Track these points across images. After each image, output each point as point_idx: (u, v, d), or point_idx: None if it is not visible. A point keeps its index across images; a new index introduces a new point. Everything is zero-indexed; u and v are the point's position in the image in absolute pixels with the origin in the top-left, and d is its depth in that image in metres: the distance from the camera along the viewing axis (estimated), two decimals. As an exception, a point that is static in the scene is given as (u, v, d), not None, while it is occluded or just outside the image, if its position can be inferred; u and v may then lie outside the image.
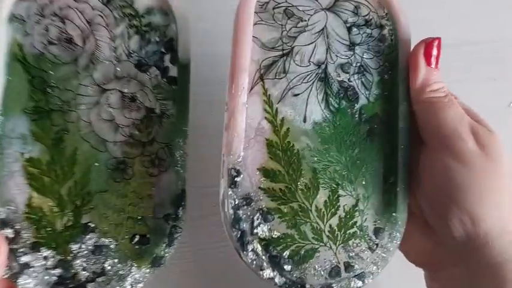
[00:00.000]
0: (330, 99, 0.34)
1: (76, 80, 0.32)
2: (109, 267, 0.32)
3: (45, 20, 0.32)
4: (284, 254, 0.33)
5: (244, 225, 0.32)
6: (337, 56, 0.34)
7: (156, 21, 0.33)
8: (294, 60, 0.34)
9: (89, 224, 0.32)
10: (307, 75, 0.34)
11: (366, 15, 0.35)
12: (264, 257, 0.32)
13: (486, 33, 0.50)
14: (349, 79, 0.35)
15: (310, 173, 0.33)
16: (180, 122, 0.33)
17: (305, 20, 0.34)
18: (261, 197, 0.33)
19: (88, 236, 0.32)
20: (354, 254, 0.34)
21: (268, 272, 0.32)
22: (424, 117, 0.33)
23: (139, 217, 0.32)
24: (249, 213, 0.32)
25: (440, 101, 0.33)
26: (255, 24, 0.33)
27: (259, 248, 0.32)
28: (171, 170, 0.33)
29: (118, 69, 0.33)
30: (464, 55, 0.49)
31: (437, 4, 0.49)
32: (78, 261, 0.32)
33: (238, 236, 0.32)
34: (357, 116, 0.34)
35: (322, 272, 0.33)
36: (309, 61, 0.34)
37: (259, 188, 0.33)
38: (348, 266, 0.34)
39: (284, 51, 0.34)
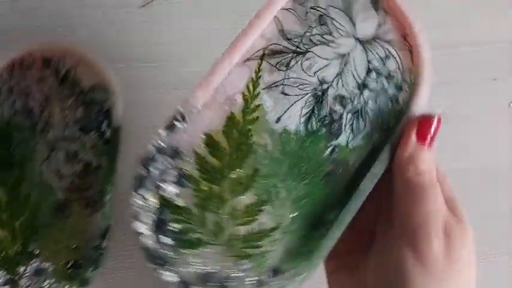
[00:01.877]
0: (313, 118, 0.32)
1: (33, 141, 0.41)
2: (47, 286, 0.39)
3: (13, 96, 0.41)
4: (173, 226, 0.31)
5: (154, 170, 0.30)
6: (343, 86, 0.33)
7: (98, 96, 0.42)
8: (302, 62, 0.32)
9: (34, 251, 0.40)
10: (306, 84, 0.32)
11: (392, 70, 0.33)
12: (149, 213, 0.30)
13: (486, 33, 0.48)
14: (341, 114, 0.33)
15: (251, 170, 0.31)
16: (110, 173, 0.41)
17: (333, 36, 0.33)
18: (190, 160, 0.31)
19: (32, 261, 0.39)
20: (237, 275, 0.31)
21: (144, 228, 0.30)
22: (398, 196, 0.29)
23: (74, 247, 0.40)
24: (168, 164, 0.30)
25: (421, 185, 0.28)
26: (285, 9, 0.32)
27: (152, 201, 0.30)
28: (102, 210, 0.40)
29: (66, 132, 0.41)
30: (464, 55, 0.47)
31: (437, 4, 0.48)
32: (23, 281, 0.39)
33: (143, 175, 0.30)
34: (328, 151, 0.32)
35: (194, 269, 0.31)
36: (315, 73, 0.32)
37: (194, 150, 0.31)
38: (224, 280, 0.31)
39: (298, 50, 0.32)
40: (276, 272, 0.33)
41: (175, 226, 0.32)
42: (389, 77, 0.34)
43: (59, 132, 0.41)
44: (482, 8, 0.48)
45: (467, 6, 0.48)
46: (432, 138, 0.30)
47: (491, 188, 0.48)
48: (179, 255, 0.31)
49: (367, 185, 0.31)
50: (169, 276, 0.31)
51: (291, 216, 0.33)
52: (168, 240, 0.31)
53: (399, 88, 0.34)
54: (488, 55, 0.48)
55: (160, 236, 0.31)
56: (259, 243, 0.32)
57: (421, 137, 0.30)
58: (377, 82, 0.34)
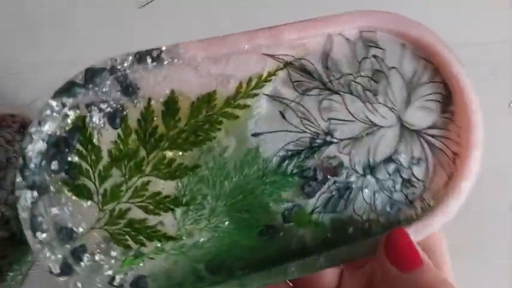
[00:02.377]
0: (294, 161, 0.28)
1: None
2: None
3: None
4: (72, 156, 0.26)
5: (95, 88, 0.26)
6: (349, 154, 0.28)
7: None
8: (323, 99, 0.28)
9: None
10: (311, 123, 0.28)
11: (416, 177, 0.29)
12: (56, 123, 0.25)
13: (486, 33, 0.48)
14: (326, 180, 0.28)
15: (192, 162, 0.27)
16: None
17: (377, 100, 0.28)
18: (138, 106, 0.26)
19: None
20: (96, 257, 0.27)
21: (41, 134, 0.25)
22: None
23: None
24: (114, 94, 0.26)
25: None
26: (346, 38, 0.28)
27: (69, 115, 0.26)
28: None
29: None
30: (465, 55, 0.46)
31: (438, 4, 0.47)
32: None
33: (77, 83, 0.25)
34: (285, 204, 0.28)
35: (60, 214, 0.26)
36: (329, 119, 0.28)
37: (149, 99, 0.26)
38: (78, 252, 0.26)
39: (328, 85, 0.28)
40: (135, 282, 0.27)
41: (73, 158, 0.26)
42: (407, 183, 0.29)
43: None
44: (482, 8, 0.48)
45: (467, 6, 0.48)
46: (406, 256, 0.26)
47: (491, 188, 0.45)
48: (58, 192, 0.27)
49: (295, 272, 0.27)
50: (28, 199, 0.25)
51: (198, 240, 0.28)
52: (56, 167, 0.26)
53: (409, 203, 0.29)
54: (488, 55, 0.47)
55: (54, 157, 0.26)
56: (145, 241, 0.27)
57: (392, 257, 0.26)
58: (389, 178, 0.29)
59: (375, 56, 0.29)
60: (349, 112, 0.29)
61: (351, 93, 0.29)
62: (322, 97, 0.29)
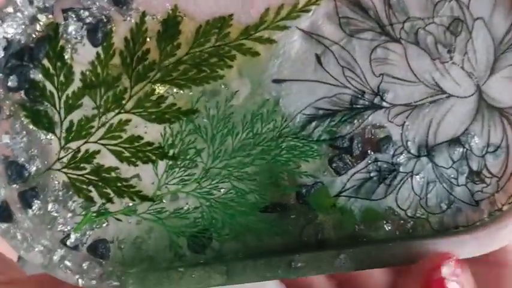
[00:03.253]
0: (325, 123, 0.21)
1: None
2: None
3: None
4: (38, 70, 0.20)
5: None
6: (401, 127, 0.22)
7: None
8: (377, 47, 0.21)
9: None
10: (357, 77, 0.21)
11: (487, 174, 0.22)
12: (23, 25, 0.20)
13: None
14: (365, 154, 0.22)
15: (187, 104, 0.21)
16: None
17: (451, 58, 0.21)
18: (128, 20, 0.20)
19: None
20: (48, 205, 0.21)
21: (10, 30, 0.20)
22: None
23: None
24: (103, 4, 0.20)
25: None
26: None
27: (41, 18, 0.20)
28: None
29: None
30: None
31: None
32: None
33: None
34: (303, 177, 0.21)
35: (13, 141, 0.21)
36: (381, 75, 0.21)
37: (143, 14, 0.20)
38: (29, 195, 0.21)
39: (388, 30, 0.21)
40: (93, 246, 0.21)
41: (37, 76, 0.20)
42: (475, 176, 0.22)
43: None
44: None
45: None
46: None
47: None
48: (11, 115, 0.21)
49: (304, 268, 0.20)
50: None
51: (181, 207, 0.21)
52: (14, 83, 0.20)
53: (474, 203, 0.22)
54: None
55: (13, 71, 0.20)
56: (113, 196, 0.21)
57: None
58: (452, 165, 0.22)
59: (457, 0, 0.21)
60: (411, 69, 0.22)
61: (417, 44, 0.22)
62: (376, 43, 0.22)
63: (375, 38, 0.22)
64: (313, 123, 0.21)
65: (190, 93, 0.21)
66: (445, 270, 0.20)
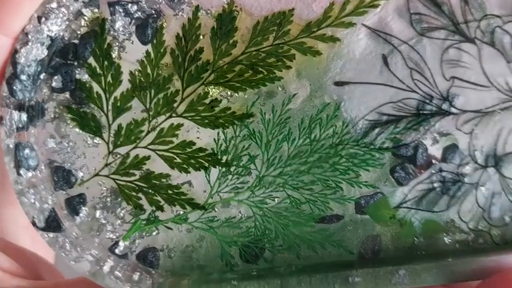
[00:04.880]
0: (388, 129, 0.19)
1: None
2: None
3: None
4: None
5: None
6: (469, 135, 0.19)
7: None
8: (450, 46, 0.19)
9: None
10: (426, 80, 0.19)
11: None
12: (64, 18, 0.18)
13: None
14: (430, 166, 0.20)
15: (242, 108, 0.19)
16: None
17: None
18: (181, 14, 0.18)
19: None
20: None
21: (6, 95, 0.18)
22: None
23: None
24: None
25: None
26: None
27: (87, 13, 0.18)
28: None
29: None
30: None
31: None
32: None
33: (29, 26, 0.17)
34: (363, 192, 0.20)
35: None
36: (452, 78, 0.19)
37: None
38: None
39: (462, 27, 0.19)
40: (143, 255, 0.20)
41: (83, 76, 0.18)
42: None
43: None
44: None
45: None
46: None
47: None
48: (57, 118, 0.19)
49: (361, 284, 0.19)
50: (14, 122, 0.17)
51: (234, 216, 0.20)
52: (59, 84, 0.18)
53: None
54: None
55: (57, 70, 0.18)
56: (164, 204, 0.19)
57: None
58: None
59: None
60: (484, 72, 0.20)
61: (493, 45, 0.19)
62: (449, 44, 0.19)
63: (448, 37, 0.19)
64: (376, 130, 0.20)
65: (245, 96, 0.19)
66: None
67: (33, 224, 0.18)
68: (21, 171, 0.18)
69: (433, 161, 0.20)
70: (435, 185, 0.20)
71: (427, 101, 0.19)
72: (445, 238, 0.20)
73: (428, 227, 0.20)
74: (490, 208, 0.21)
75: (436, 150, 0.20)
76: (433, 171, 0.20)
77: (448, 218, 0.20)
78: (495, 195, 0.21)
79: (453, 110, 0.20)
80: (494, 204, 0.21)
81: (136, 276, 0.19)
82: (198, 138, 0.19)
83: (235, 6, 0.18)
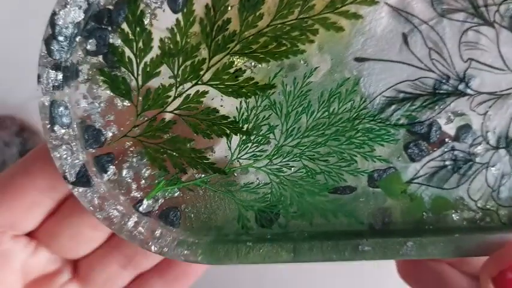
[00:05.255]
0: (404, 106, 0.20)
1: None
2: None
3: None
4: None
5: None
6: (483, 116, 0.20)
7: None
8: (469, 29, 0.19)
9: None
10: (443, 60, 0.20)
11: None
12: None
13: None
14: (443, 144, 0.20)
15: (265, 79, 0.19)
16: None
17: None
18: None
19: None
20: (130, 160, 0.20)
21: (44, 55, 0.19)
22: None
23: None
24: None
25: None
26: None
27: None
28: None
29: None
30: None
31: None
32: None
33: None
34: (376, 166, 0.20)
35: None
36: (469, 60, 0.20)
37: None
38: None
39: (482, 10, 0.19)
40: (165, 214, 0.21)
41: (116, 41, 0.19)
42: None
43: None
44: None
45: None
46: None
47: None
48: (90, 80, 0.20)
49: (370, 252, 0.20)
50: (50, 81, 0.18)
51: (252, 181, 0.21)
52: (93, 47, 0.19)
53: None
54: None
55: (92, 34, 0.19)
56: (187, 167, 0.20)
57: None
58: None
59: None
60: (501, 56, 0.20)
61: (511, 30, 0.19)
62: (468, 26, 0.19)
63: (468, 19, 0.20)
64: (393, 107, 0.20)
65: (268, 67, 0.20)
66: None
67: (65, 178, 0.19)
68: (55, 128, 0.19)
69: (446, 140, 0.21)
70: (447, 162, 0.21)
71: (444, 81, 0.20)
72: (453, 215, 0.21)
73: (438, 203, 0.21)
74: (499, 188, 0.21)
75: (449, 129, 0.21)
76: (446, 150, 0.21)
77: (457, 196, 0.21)
78: (504, 176, 0.21)
79: (469, 91, 0.20)
80: (504, 184, 0.21)
81: (158, 233, 0.20)
82: (222, 106, 0.20)
83: (264, -20, 0.19)
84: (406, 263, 0.25)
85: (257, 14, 0.19)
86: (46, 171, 0.20)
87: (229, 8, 0.19)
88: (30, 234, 0.21)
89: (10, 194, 0.20)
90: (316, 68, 0.20)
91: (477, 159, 0.21)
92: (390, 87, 0.20)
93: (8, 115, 0.34)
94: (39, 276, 0.22)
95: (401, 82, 0.20)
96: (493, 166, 0.21)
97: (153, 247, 0.20)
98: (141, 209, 0.20)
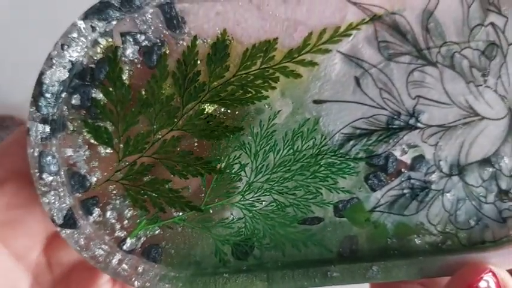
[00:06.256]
0: (361, 142, 0.22)
1: None
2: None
3: None
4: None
5: (135, 14, 0.20)
6: (434, 147, 0.22)
7: None
8: (413, 71, 0.21)
9: None
10: (393, 99, 0.22)
11: None
12: (86, 48, 0.21)
13: None
14: (400, 174, 0.22)
15: (234, 123, 0.21)
16: None
17: (481, 84, 0.21)
18: (181, 42, 0.20)
19: None
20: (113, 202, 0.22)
21: (32, 111, 0.21)
22: None
23: None
24: (157, 22, 0.20)
25: None
26: None
27: (103, 42, 0.21)
28: None
29: None
30: None
31: None
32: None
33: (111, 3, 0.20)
34: (341, 197, 0.22)
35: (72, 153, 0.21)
36: (417, 97, 0.21)
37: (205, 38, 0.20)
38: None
39: (425, 53, 0.21)
40: (147, 251, 0.22)
41: (98, 95, 0.21)
42: (503, 195, 0.23)
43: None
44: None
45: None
46: None
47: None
48: (75, 131, 0.21)
49: (339, 278, 0.22)
50: (38, 133, 0.20)
51: (226, 217, 0.22)
52: (77, 101, 0.21)
53: (502, 220, 0.23)
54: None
55: (76, 90, 0.21)
56: (165, 206, 0.22)
57: None
58: (481, 184, 0.23)
59: (492, 25, 0.22)
60: (446, 92, 0.22)
61: (453, 68, 0.22)
62: (413, 67, 0.22)
63: (412, 61, 0.22)
64: (351, 142, 0.22)
65: (237, 112, 0.22)
66: (483, 284, 0.20)
67: (53, 221, 0.20)
68: (44, 176, 0.20)
69: (403, 170, 0.22)
70: (405, 191, 0.22)
71: (395, 117, 0.22)
72: (415, 239, 0.22)
73: (400, 229, 0.22)
74: (456, 212, 0.23)
75: (404, 160, 0.22)
76: (403, 179, 0.22)
77: (417, 221, 0.22)
78: (460, 201, 0.23)
79: (419, 124, 0.22)
80: (460, 209, 0.23)
81: (141, 269, 0.21)
82: (195, 148, 0.22)
83: (228, 36, 0.21)
84: (380, 285, 0.26)
85: (223, 66, 0.21)
86: None
87: (199, 62, 0.21)
88: None
89: None
90: (279, 111, 0.22)
91: (433, 187, 0.22)
92: (347, 125, 0.22)
93: (8, 115, 0.34)
94: None
95: (357, 120, 0.22)
96: (448, 192, 0.23)
97: (136, 282, 0.21)
98: (125, 247, 0.21)
